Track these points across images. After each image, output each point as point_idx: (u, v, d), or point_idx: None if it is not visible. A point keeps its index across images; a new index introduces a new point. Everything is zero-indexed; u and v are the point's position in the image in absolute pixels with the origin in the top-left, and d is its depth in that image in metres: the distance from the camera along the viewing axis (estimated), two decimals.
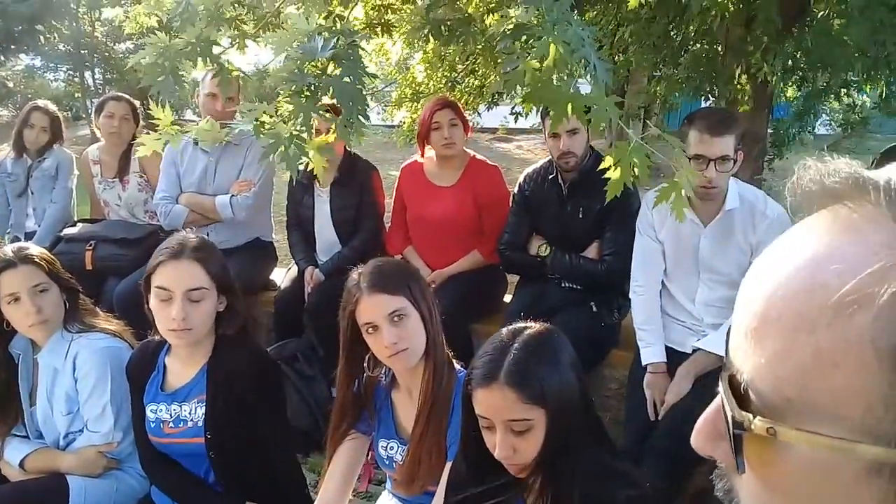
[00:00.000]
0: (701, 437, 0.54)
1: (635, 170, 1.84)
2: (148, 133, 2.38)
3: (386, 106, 7.76)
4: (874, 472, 0.42)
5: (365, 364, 2.06)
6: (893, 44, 2.95)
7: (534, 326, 1.62)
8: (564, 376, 1.54)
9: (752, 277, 0.51)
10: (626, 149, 1.84)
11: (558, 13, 1.85)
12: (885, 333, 0.41)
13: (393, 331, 1.89)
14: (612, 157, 1.88)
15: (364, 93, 2.13)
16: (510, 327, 1.62)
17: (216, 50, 2.30)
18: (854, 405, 0.42)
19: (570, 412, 1.53)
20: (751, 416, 0.46)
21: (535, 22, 1.88)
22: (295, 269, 3.75)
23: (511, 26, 1.89)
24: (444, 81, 6.06)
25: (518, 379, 1.49)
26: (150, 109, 2.29)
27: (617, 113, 1.84)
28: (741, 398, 0.48)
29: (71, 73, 17.34)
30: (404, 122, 6.89)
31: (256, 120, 2.16)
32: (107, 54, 16.52)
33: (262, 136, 2.13)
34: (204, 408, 2.18)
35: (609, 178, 1.95)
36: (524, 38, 1.88)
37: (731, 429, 0.48)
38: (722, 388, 0.50)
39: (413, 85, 6.55)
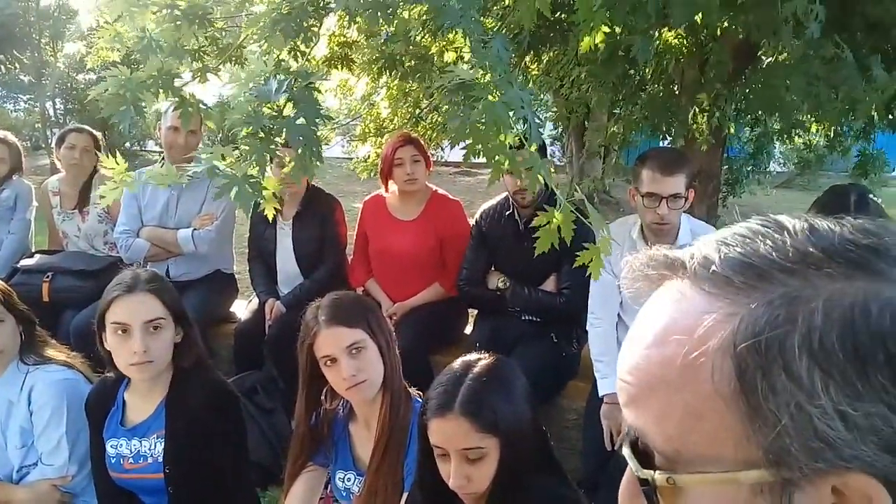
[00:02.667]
0: (624, 499, 0.61)
1: (560, 233, 1.99)
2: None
3: (351, 139, 7.79)
4: (758, 492, 0.50)
5: (323, 397, 2.08)
6: (826, 95, 3.09)
7: (487, 357, 1.66)
8: (517, 406, 1.59)
9: (621, 356, 0.59)
10: (552, 215, 1.98)
11: (501, 71, 1.95)
12: (722, 381, 0.50)
13: (352, 363, 1.92)
14: (540, 222, 1.99)
15: (317, 133, 2.19)
16: (463, 359, 1.67)
17: (178, 82, 2.33)
18: (725, 443, 0.50)
19: (523, 441, 1.58)
20: (652, 472, 0.54)
21: (478, 80, 1.97)
22: (256, 301, 3.75)
23: (456, 82, 1.98)
24: (408, 117, 6.14)
25: (472, 409, 1.53)
26: (109, 140, 2.31)
27: (549, 175, 2.03)
28: (644, 457, 0.56)
29: (31, 102, 17.13)
30: (368, 156, 6.95)
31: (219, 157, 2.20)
32: (68, 85, 16.37)
33: (215, 176, 2.18)
34: (163, 443, 2.17)
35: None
36: (468, 93, 1.97)
37: (640, 486, 0.56)
38: (626, 452, 0.58)
39: (377, 120, 6.62)
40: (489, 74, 1.94)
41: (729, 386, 0.49)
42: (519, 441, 1.56)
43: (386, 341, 2.00)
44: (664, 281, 0.57)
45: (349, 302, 2.06)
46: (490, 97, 1.89)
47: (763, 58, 4.22)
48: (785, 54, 3.33)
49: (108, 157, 2.23)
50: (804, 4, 2.46)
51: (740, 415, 0.49)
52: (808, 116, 4.06)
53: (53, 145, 4.35)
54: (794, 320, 0.48)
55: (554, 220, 1.99)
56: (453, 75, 2.01)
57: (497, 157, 1.97)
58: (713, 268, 0.53)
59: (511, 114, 1.91)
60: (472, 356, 1.68)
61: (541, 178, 1.98)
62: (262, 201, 2.30)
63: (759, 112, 4.64)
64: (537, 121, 2.04)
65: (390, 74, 3.56)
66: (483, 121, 1.90)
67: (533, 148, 2.00)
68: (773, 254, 0.51)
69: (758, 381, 0.48)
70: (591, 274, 2.91)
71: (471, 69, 2.01)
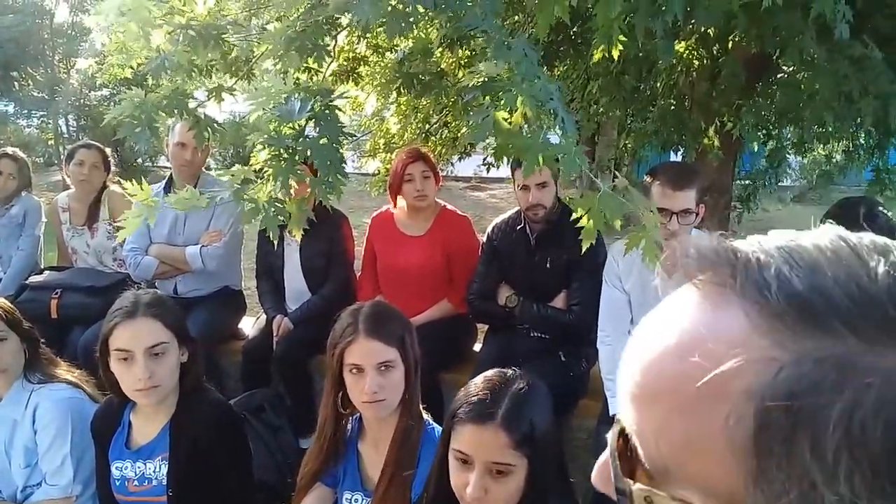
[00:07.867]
0: (599, 478, 0.56)
1: (606, 217, 1.87)
2: (118, 181, 2.39)
3: (360, 155, 7.79)
4: None
5: (338, 401, 2.03)
6: (859, 93, 3.02)
7: (522, 374, 1.64)
8: (550, 427, 1.58)
9: (633, 344, 0.53)
10: (595, 198, 1.87)
11: (527, 67, 1.90)
12: (738, 429, 0.43)
13: (377, 379, 1.90)
14: (582, 207, 1.91)
15: (340, 152, 2.16)
16: (499, 371, 1.64)
17: (192, 103, 2.33)
18: (721, 487, 0.45)
19: (548, 463, 1.57)
20: (631, 482, 0.50)
21: (504, 76, 1.93)
22: (263, 318, 3.72)
23: (481, 80, 1.94)
24: (417, 132, 6.11)
25: (514, 424, 1.51)
26: (121, 156, 2.31)
27: (586, 163, 1.89)
28: (627, 454, 0.51)
29: (44, 119, 17.27)
30: (378, 172, 6.93)
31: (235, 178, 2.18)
32: (81, 101, 16.49)
33: (241, 201, 2.17)
34: (167, 465, 2.15)
35: (582, 228, 1.96)
36: (493, 91, 1.92)
37: (616, 488, 0.52)
38: (609, 448, 0.54)
39: (387, 135, 6.60)
40: (513, 71, 1.88)
41: (742, 436, 0.43)
42: (545, 464, 1.55)
43: (414, 365, 1.98)
44: (704, 274, 0.50)
45: (391, 317, 2.03)
46: (514, 90, 1.83)
47: (784, 67, 4.18)
48: (807, 61, 3.26)
49: (120, 173, 2.24)
50: (831, 5, 2.41)
51: (745, 470, 0.43)
52: (829, 127, 3.97)
53: (63, 162, 4.36)
54: (841, 391, 0.41)
55: (594, 205, 1.87)
56: (477, 74, 1.97)
57: (528, 151, 1.88)
58: (766, 293, 0.45)
59: (539, 105, 1.85)
60: (507, 371, 1.65)
61: (578, 169, 1.86)
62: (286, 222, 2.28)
63: (776, 123, 4.57)
64: (569, 113, 1.96)
65: (406, 92, 3.56)
66: (508, 114, 1.84)
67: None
68: (844, 299, 0.43)
69: (776, 446, 0.42)
70: (602, 289, 2.90)
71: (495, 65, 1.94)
